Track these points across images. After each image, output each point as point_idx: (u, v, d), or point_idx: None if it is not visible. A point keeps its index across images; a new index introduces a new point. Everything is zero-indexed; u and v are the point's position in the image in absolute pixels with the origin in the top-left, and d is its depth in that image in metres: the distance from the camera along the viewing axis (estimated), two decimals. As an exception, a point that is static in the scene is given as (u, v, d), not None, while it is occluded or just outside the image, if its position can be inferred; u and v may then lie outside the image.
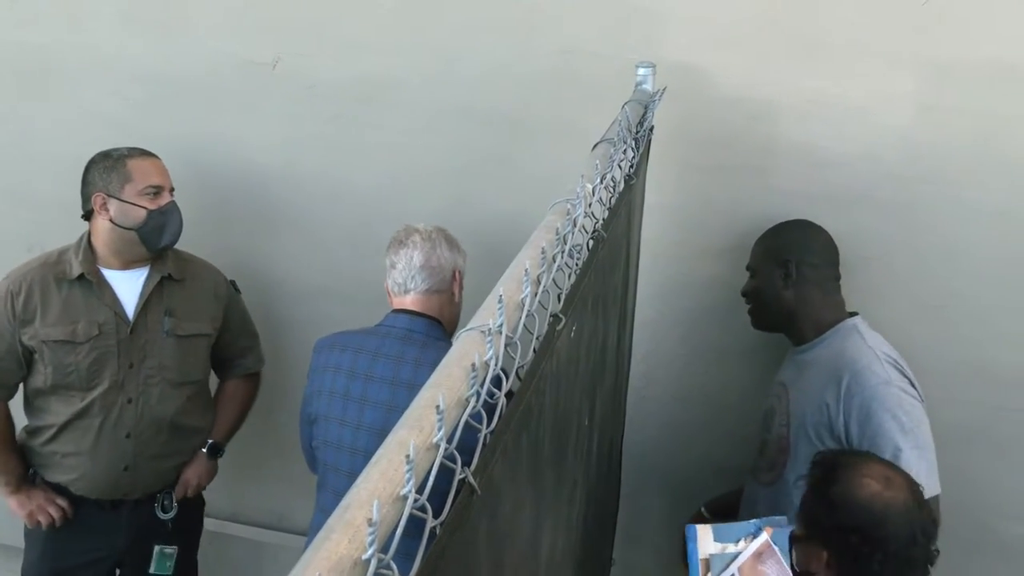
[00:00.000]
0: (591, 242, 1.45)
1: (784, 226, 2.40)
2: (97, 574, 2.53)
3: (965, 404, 2.48)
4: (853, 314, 2.28)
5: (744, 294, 2.43)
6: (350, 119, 2.72)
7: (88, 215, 2.39)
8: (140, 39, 2.81)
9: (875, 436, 2.02)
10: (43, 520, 2.43)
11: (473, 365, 0.85)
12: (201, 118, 2.82)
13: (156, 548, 2.55)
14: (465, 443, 0.81)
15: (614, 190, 1.70)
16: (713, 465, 2.73)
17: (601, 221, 1.53)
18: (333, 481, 2.12)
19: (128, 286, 2.41)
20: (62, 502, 2.44)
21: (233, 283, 2.64)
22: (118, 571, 2.57)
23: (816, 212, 2.41)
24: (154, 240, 2.38)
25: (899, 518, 1.64)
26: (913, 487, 1.70)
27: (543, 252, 1.09)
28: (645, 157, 2.25)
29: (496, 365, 0.89)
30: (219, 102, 2.80)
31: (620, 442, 2.58)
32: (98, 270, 2.38)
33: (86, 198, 2.37)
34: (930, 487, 1.94)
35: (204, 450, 2.60)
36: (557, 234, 1.18)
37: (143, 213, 2.35)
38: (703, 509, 2.54)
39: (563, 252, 1.19)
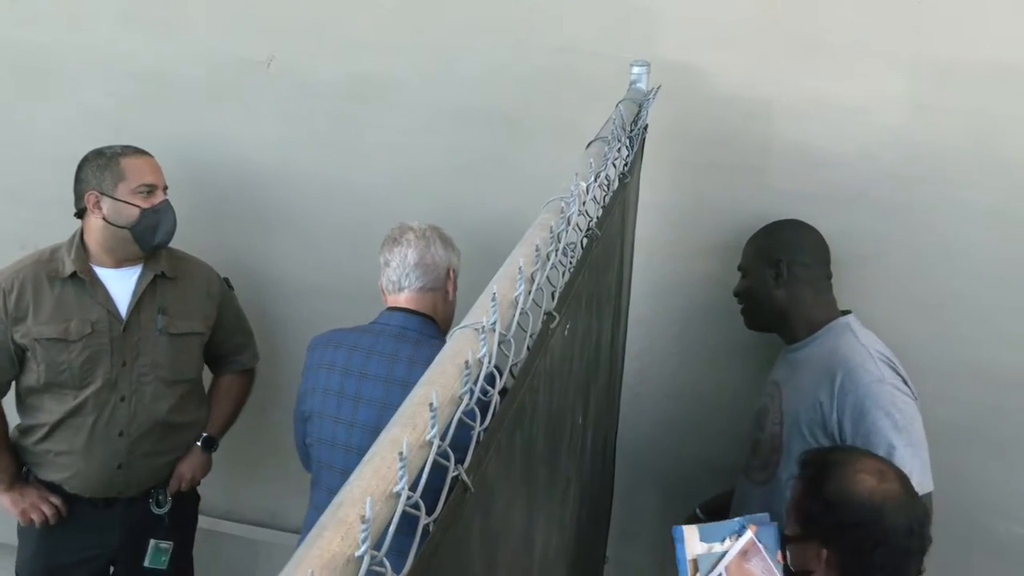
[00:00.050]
0: (585, 240, 1.45)
1: (775, 226, 2.40)
2: (91, 572, 2.52)
3: (961, 403, 2.48)
4: (846, 312, 2.28)
5: (736, 294, 2.43)
6: (347, 118, 2.72)
7: (81, 213, 2.38)
8: (137, 38, 2.81)
9: (869, 434, 2.02)
10: (36, 518, 2.43)
11: (466, 363, 0.85)
12: (197, 116, 2.82)
13: (152, 542, 2.54)
14: (459, 441, 0.81)
15: (608, 188, 1.70)
16: (706, 463, 2.74)
17: (595, 219, 1.53)
18: (327, 479, 2.12)
19: (121, 284, 2.40)
20: (55, 500, 2.43)
21: (227, 280, 2.63)
22: (112, 568, 2.57)
23: (813, 211, 2.41)
24: (147, 239, 2.37)
25: (897, 510, 1.66)
26: (904, 479, 1.72)
27: (537, 250, 1.10)
28: (639, 155, 2.25)
29: (490, 363, 0.89)
30: (216, 100, 2.80)
31: (614, 440, 2.58)
32: (91, 268, 2.38)
33: (79, 196, 2.36)
34: (923, 484, 1.95)
35: (199, 443, 2.59)
36: (551, 232, 1.18)
37: (136, 212, 2.34)
38: (698, 510, 2.54)
39: (557, 250, 1.19)
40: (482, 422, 0.86)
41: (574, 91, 2.51)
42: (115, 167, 2.33)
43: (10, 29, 2.90)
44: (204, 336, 2.55)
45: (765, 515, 1.87)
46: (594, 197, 1.52)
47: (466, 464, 0.81)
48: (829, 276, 2.36)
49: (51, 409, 2.39)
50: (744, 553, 1.78)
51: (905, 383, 2.11)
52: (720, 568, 1.75)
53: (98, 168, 2.33)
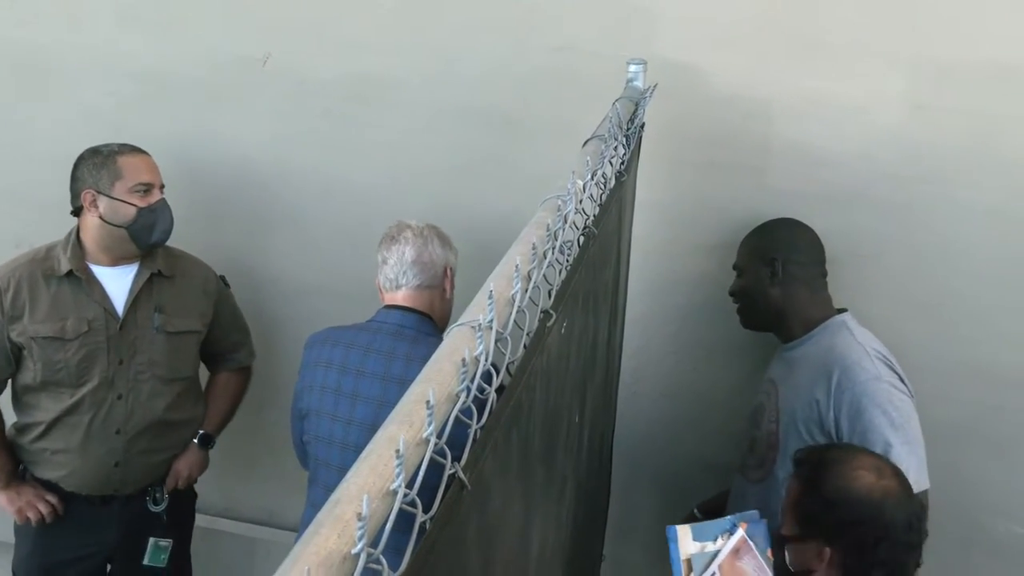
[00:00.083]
0: (582, 238, 1.45)
1: (769, 225, 2.41)
2: (88, 569, 2.52)
3: (960, 402, 2.49)
4: (842, 311, 2.28)
5: (732, 294, 2.44)
6: (345, 117, 2.72)
7: (77, 211, 2.38)
8: (136, 37, 2.80)
9: (865, 431, 2.02)
10: (32, 516, 2.42)
11: (463, 360, 0.85)
12: (196, 115, 2.82)
13: (151, 540, 2.54)
14: (455, 438, 0.81)
15: (605, 187, 1.70)
16: (703, 461, 2.74)
17: (592, 217, 1.53)
18: (324, 476, 2.13)
19: (117, 282, 2.40)
20: (52, 498, 2.43)
21: (223, 278, 2.63)
22: (109, 566, 2.56)
23: (811, 211, 2.41)
24: (144, 238, 2.37)
25: (896, 505, 1.67)
26: (900, 474, 1.73)
27: (534, 248, 1.10)
28: (636, 154, 2.25)
29: (486, 361, 0.89)
30: (214, 100, 2.80)
31: (611, 438, 2.58)
32: (87, 266, 2.37)
33: (75, 194, 2.36)
34: (920, 482, 1.95)
35: (195, 441, 2.59)
36: (548, 230, 1.18)
37: (133, 211, 2.34)
38: (696, 511, 2.54)
39: (554, 248, 1.19)
40: (479, 420, 0.86)
41: (573, 91, 2.51)
42: (112, 166, 2.33)
43: (9, 29, 2.89)
44: (201, 334, 2.55)
45: (755, 512, 1.87)
46: (591, 195, 1.52)
47: (463, 462, 0.81)
48: (824, 275, 2.36)
49: (48, 407, 2.39)
50: (736, 551, 1.78)
51: (902, 381, 2.11)
52: (713, 567, 1.75)
53: (95, 166, 2.33)
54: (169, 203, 2.41)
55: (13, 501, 2.43)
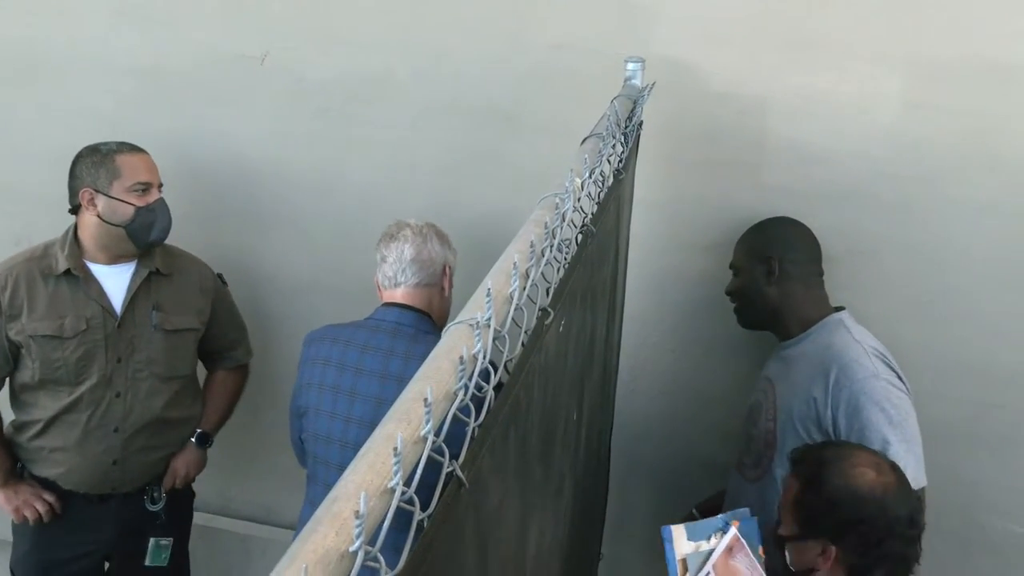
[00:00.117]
0: (580, 236, 1.45)
1: (765, 224, 2.41)
2: (86, 567, 2.52)
3: (955, 401, 2.49)
4: (839, 309, 2.29)
5: (729, 293, 2.44)
6: (342, 114, 2.72)
7: (75, 209, 2.37)
8: (130, 33, 2.80)
9: (863, 429, 2.03)
10: (30, 515, 2.42)
11: (461, 358, 0.85)
12: (191, 112, 2.82)
13: (152, 540, 2.55)
14: (453, 436, 0.81)
15: (603, 185, 1.70)
16: (701, 460, 2.74)
17: (590, 215, 1.53)
18: (323, 474, 2.13)
19: (115, 280, 2.40)
20: (49, 497, 2.43)
21: (220, 276, 2.63)
22: (107, 565, 2.56)
23: (806, 208, 2.42)
24: (142, 237, 2.36)
25: (897, 500, 1.67)
26: (897, 469, 1.73)
27: (532, 246, 1.10)
28: (634, 152, 2.25)
29: (484, 359, 0.89)
30: (211, 97, 2.80)
31: (608, 436, 2.58)
32: (84, 264, 2.37)
33: (73, 192, 2.35)
34: (917, 479, 1.96)
35: (193, 440, 2.59)
36: (546, 228, 1.18)
37: (131, 210, 2.33)
38: (694, 510, 2.54)
39: (552, 246, 1.19)
40: (477, 418, 0.86)
41: (571, 89, 2.51)
42: (110, 164, 2.32)
43: (8, 27, 2.89)
44: (198, 332, 2.55)
45: (746, 510, 1.87)
46: (589, 193, 1.52)
47: (461, 460, 0.81)
48: (821, 273, 2.36)
49: (46, 405, 2.39)
50: (729, 550, 1.78)
51: (899, 378, 2.11)
52: (708, 567, 1.75)
53: (93, 165, 2.33)
54: (167, 201, 2.41)
55: (10, 500, 2.43)
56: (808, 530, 1.71)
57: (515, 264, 1.03)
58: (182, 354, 2.51)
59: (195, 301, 2.53)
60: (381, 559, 0.64)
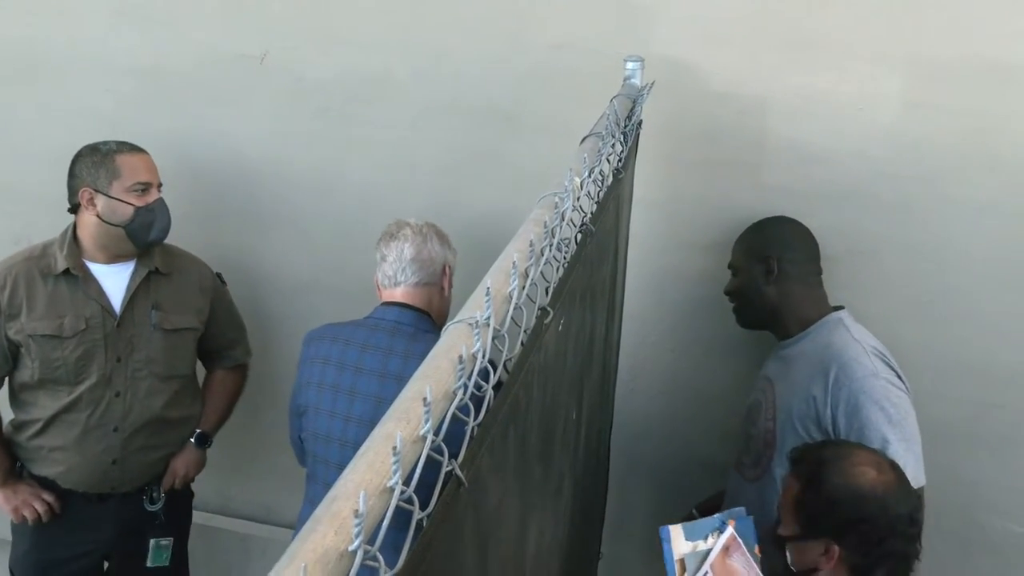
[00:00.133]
0: (579, 235, 1.45)
1: (763, 223, 2.41)
2: (85, 567, 2.52)
3: (954, 400, 2.49)
4: (837, 308, 2.29)
5: (728, 293, 2.44)
6: (341, 114, 2.72)
7: (75, 208, 2.37)
8: (130, 33, 2.80)
9: (863, 428, 2.03)
10: (28, 515, 2.42)
11: (460, 357, 0.85)
12: (191, 112, 2.82)
13: (152, 542, 2.55)
14: (452, 435, 0.81)
15: (602, 184, 1.70)
16: (701, 459, 2.74)
17: (589, 215, 1.53)
18: (323, 473, 2.13)
19: (114, 280, 2.40)
20: (48, 497, 2.43)
21: (219, 275, 2.63)
22: (106, 564, 2.56)
23: (806, 208, 2.42)
24: (141, 237, 2.36)
25: (898, 498, 1.67)
26: (897, 467, 1.73)
27: (531, 245, 1.10)
28: (633, 151, 2.25)
29: (483, 358, 0.89)
30: (210, 96, 2.80)
31: (608, 435, 2.58)
32: (83, 264, 2.37)
33: (73, 191, 2.35)
34: (917, 478, 1.96)
35: (192, 440, 2.59)
36: (545, 227, 1.18)
37: (131, 210, 2.33)
38: (694, 511, 2.53)
39: (551, 245, 1.19)
40: (476, 417, 0.86)
41: (570, 88, 2.51)
42: (110, 164, 2.32)
43: (7, 27, 2.89)
44: (198, 331, 2.55)
45: (741, 509, 1.87)
46: (588, 192, 1.52)
47: (460, 459, 0.81)
48: (819, 272, 2.36)
49: (45, 405, 2.38)
50: (726, 549, 1.78)
51: (899, 377, 2.11)
52: (706, 567, 1.75)
53: (93, 165, 2.33)
54: (166, 200, 2.41)
55: (9, 500, 2.43)
56: (810, 530, 1.70)
57: (514, 263, 1.03)
58: (181, 353, 2.51)
59: (194, 300, 2.53)
60: (380, 558, 0.64)
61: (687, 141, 2.51)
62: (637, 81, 2.32)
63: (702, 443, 2.75)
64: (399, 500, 0.69)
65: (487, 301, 0.92)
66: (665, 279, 2.64)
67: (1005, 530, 2.58)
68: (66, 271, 2.34)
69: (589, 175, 1.49)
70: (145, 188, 2.35)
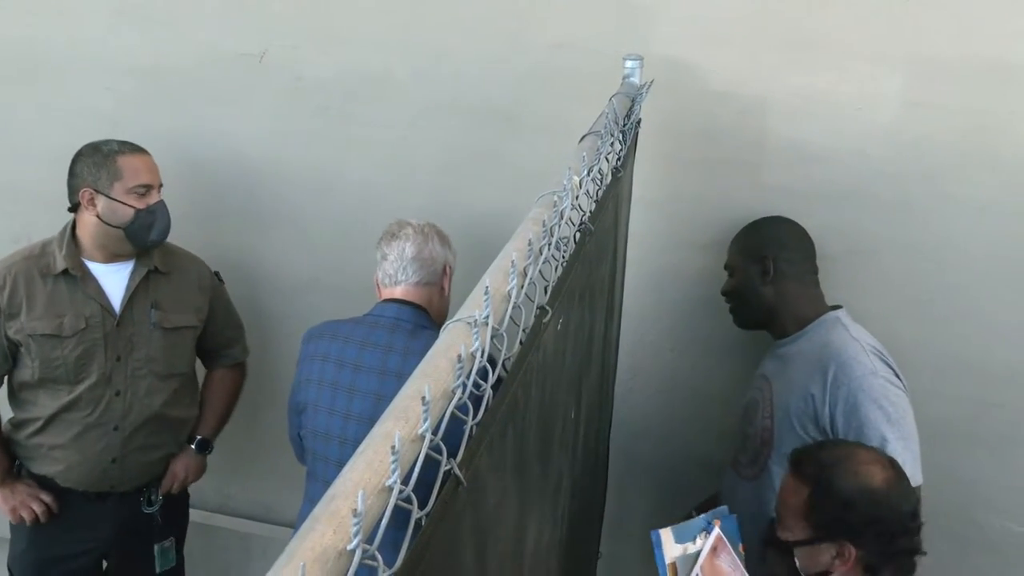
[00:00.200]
0: (578, 234, 1.45)
1: (759, 223, 2.41)
2: (84, 565, 2.52)
3: (953, 399, 2.49)
4: (836, 307, 2.29)
5: (724, 293, 2.44)
6: (341, 113, 2.72)
7: (75, 207, 2.37)
8: (130, 32, 2.80)
9: (862, 426, 2.03)
10: (26, 516, 2.42)
11: (459, 356, 0.85)
12: (191, 111, 2.82)
13: (156, 547, 2.56)
14: (451, 434, 0.81)
15: (601, 183, 1.71)
16: (700, 458, 2.74)
17: (588, 213, 1.53)
18: (322, 471, 2.13)
19: (113, 279, 2.40)
20: (46, 497, 2.43)
21: (217, 274, 2.63)
22: (104, 563, 2.57)
23: (805, 207, 2.42)
24: (141, 238, 2.36)
25: (903, 495, 1.68)
26: (896, 464, 1.73)
27: (530, 244, 1.10)
28: (632, 150, 2.25)
29: (482, 357, 0.89)
30: (210, 95, 2.80)
31: (607, 434, 2.58)
32: (83, 263, 2.37)
33: (73, 191, 2.35)
34: (915, 477, 1.96)
35: (193, 446, 2.59)
36: (544, 226, 1.18)
37: (131, 212, 2.33)
38: (694, 512, 2.53)
39: (550, 244, 1.19)
40: (475, 416, 0.86)
41: (570, 87, 2.51)
42: (112, 166, 2.32)
43: (7, 26, 2.89)
44: (197, 329, 2.55)
45: (724, 508, 1.87)
46: (587, 191, 1.52)
47: (459, 458, 0.82)
48: (816, 271, 2.36)
49: (45, 404, 2.39)
50: (714, 550, 1.78)
51: (897, 376, 2.12)
52: (696, 569, 1.75)
53: (94, 165, 2.32)
54: (165, 198, 2.41)
55: (7, 500, 2.43)
56: (823, 533, 1.68)
57: (513, 262, 1.03)
58: (181, 352, 2.51)
59: (193, 299, 2.53)
60: (379, 557, 0.64)
61: (686, 140, 2.51)
62: (636, 80, 2.32)
63: (701, 442, 2.75)
64: (398, 499, 0.69)
65: (486, 300, 0.92)
66: (664, 278, 2.65)
67: (1004, 529, 2.58)
68: (65, 271, 2.34)
69: (588, 174, 1.49)
70: (146, 190, 2.35)
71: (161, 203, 2.39)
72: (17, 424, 2.44)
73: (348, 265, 2.76)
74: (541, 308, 1.13)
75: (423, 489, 0.74)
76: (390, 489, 0.69)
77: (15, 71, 2.92)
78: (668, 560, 1.75)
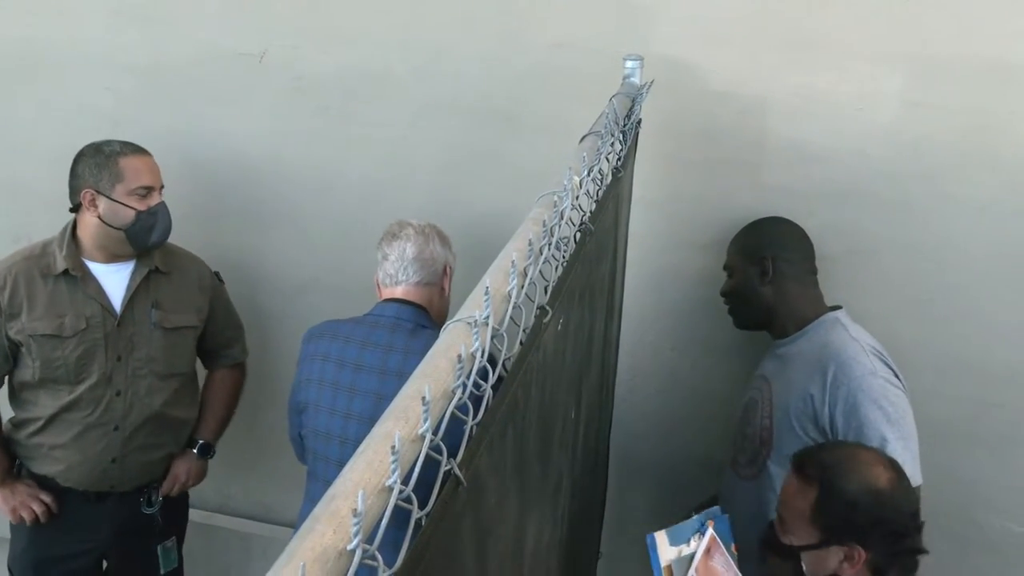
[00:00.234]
0: (578, 234, 1.45)
1: (757, 224, 2.41)
2: (84, 565, 2.52)
3: (952, 399, 2.49)
4: (836, 308, 2.29)
5: (723, 294, 2.44)
6: (341, 112, 2.72)
7: (76, 208, 2.37)
8: (130, 31, 2.80)
9: (861, 426, 2.03)
10: (26, 516, 2.42)
11: (459, 356, 0.85)
12: (191, 110, 2.82)
13: (158, 548, 2.57)
14: (451, 434, 0.81)
15: (601, 183, 1.71)
16: (700, 458, 2.74)
17: (588, 213, 1.53)
18: (323, 470, 2.13)
19: (114, 279, 2.40)
20: (46, 497, 2.43)
21: (217, 274, 2.63)
22: (104, 563, 2.56)
23: (805, 207, 2.42)
24: (141, 240, 2.36)
25: (907, 495, 1.69)
26: (896, 463, 1.73)
27: (530, 244, 1.10)
28: (633, 150, 2.25)
29: (482, 357, 0.89)
30: (210, 94, 2.80)
31: (607, 434, 2.58)
32: (83, 264, 2.37)
33: (74, 191, 2.35)
34: (914, 477, 1.96)
35: (195, 451, 2.59)
36: (544, 226, 1.18)
37: (132, 214, 2.33)
38: (694, 512, 2.53)
39: (550, 244, 1.19)
40: (475, 416, 0.86)
41: (570, 87, 2.51)
42: (113, 167, 2.32)
43: (7, 26, 2.89)
44: (197, 329, 2.55)
45: (716, 508, 1.87)
46: (587, 191, 1.52)
47: (459, 458, 0.81)
48: (815, 271, 2.36)
49: (45, 404, 2.39)
50: (707, 551, 1.78)
51: (896, 376, 2.12)
52: (691, 572, 1.75)
53: (96, 166, 2.32)
54: (165, 198, 2.40)
55: (7, 500, 2.43)
56: (831, 536, 1.67)
57: (513, 262, 1.03)
58: (181, 352, 2.51)
59: (194, 299, 2.53)
60: (379, 557, 0.64)
61: (687, 140, 2.51)
62: (636, 80, 2.32)
63: (701, 442, 2.75)
64: (398, 499, 0.69)
65: (486, 300, 0.92)
66: (664, 278, 2.65)
67: (1004, 529, 2.58)
68: (65, 271, 2.34)
69: (588, 174, 1.49)
70: (147, 191, 2.35)
71: (162, 205, 2.39)
72: (17, 424, 2.44)
73: (348, 265, 2.76)
74: (541, 308, 1.13)
75: (423, 489, 0.74)
76: (390, 489, 0.69)
77: (15, 70, 2.92)
78: (663, 563, 1.75)
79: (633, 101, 2.13)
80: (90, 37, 2.83)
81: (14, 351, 2.37)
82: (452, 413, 0.82)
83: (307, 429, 2.15)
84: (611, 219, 1.87)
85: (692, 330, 2.68)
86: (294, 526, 2.49)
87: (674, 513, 2.43)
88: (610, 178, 1.82)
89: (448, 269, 2.23)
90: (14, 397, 2.44)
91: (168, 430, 2.52)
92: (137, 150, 2.37)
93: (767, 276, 2.31)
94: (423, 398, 0.76)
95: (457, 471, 0.80)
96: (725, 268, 2.44)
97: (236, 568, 3.16)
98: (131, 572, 2.58)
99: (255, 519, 3.20)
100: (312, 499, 2.15)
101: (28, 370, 2.36)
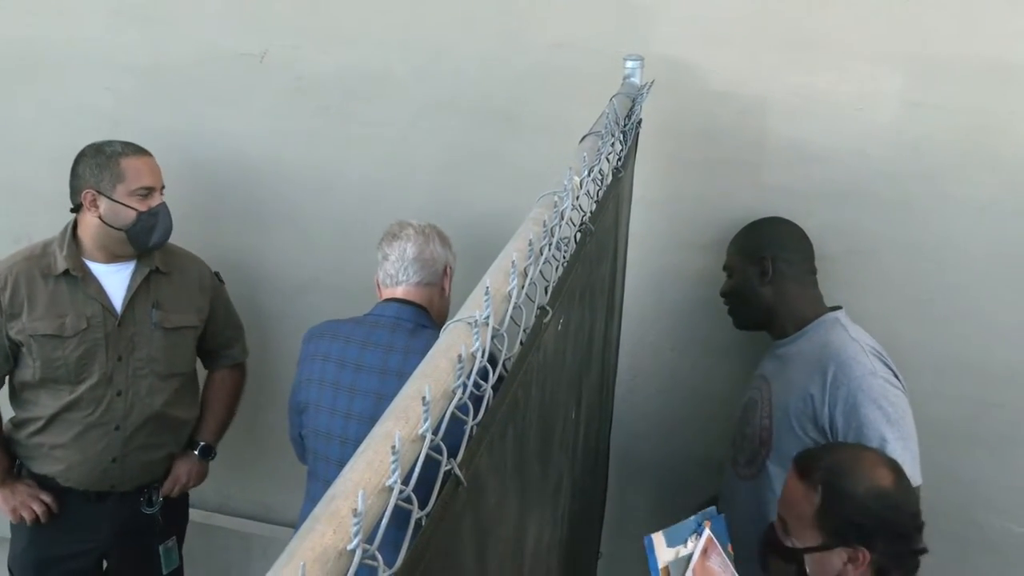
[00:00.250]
0: (579, 235, 1.45)
1: (757, 224, 2.41)
2: (84, 565, 2.52)
3: (954, 399, 2.49)
4: (835, 308, 2.29)
5: (723, 295, 2.44)
6: (341, 112, 2.72)
7: (76, 208, 2.37)
8: (130, 31, 2.80)
9: (861, 427, 2.03)
10: (27, 516, 2.42)
11: (460, 357, 0.85)
12: (191, 110, 2.82)
13: (160, 548, 2.57)
14: (451, 434, 0.81)
15: (602, 183, 1.71)
16: (700, 458, 2.74)
17: (589, 214, 1.53)
18: (323, 470, 2.13)
19: (114, 279, 2.40)
20: (46, 497, 2.43)
21: (217, 274, 2.63)
22: (104, 563, 2.56)
23: (805, 207, 2.42)
24: (142, 240, 2.36)
25: (910, 496, 1.69)
26: (897, 464, 1.73)
27: (530, 244, 1.10)
28: (633, 150, 2.25)
29: (483, 357, 0.89)
30: (210, 94, 2.80)
31: (607, 434, 2.58)
32: (83, 264, 2.37)
33: (75, 191, 2.35)
34: (914, 477, 1.96)
35: (196, 452, 2.60)
36: (544, 226, 1.18)
37: (133, 215, 2.33)
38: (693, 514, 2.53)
39: (550, 244, 1.19)
40: (475, 416, 0.86)
41: (570, 87, 2.51)
42: (114, 168, 2.32)
43: (7, 26, 2.89)
44: (198, 329, 2.55)
45: (712, 508, 1.87)
46: (588, 192, 1.52)
47: (459, 458, 0.81)
48: (814, 271, 2.36)
49: (46, 403, 2.39)
50: (704, 552, 1.78)
51: (896, 376, 2.12)
52: (688, 573, 1.75)
53: (97, 167, 2.32)
54: (165, 198, 2.41)
55: (8, 500, 2.43)
56: (836, 539, 1.66)
57: (513, 262, 1.03)
58: (182, 352, 2.52)
59: (194, 299, 2.53)
60: (379, 557, 0.64)
61: (687, 140, 2.51)
62: (637, 80, 2.32)
63: (701, 442, 2.75)
64: (398, 499, 0.69)
65: (486, 300, 0.92)
66: (664, 278, 2.65)
67: (1004, 529, 2.58)
68: (66, 271, 2.34)
69: (588, 174, 1.49)
70: (148, 192, 2.35)
71: (163, 205, 2.39)
72: (18, 424, 2.44)
73: (348, 265, 2.76)
74: (541, 308, 1.13)
75: (423, 489, 0.74)
76: (390, 489, 0.69)
77: (15, 70, 2.92)
78: (661, 565, 1.74)
79: (633, 101, 2.13)
80: (90, 37, 2.83)
81: (15, 351, 2.37)
82: (452, 413, 0.82)
83: (307, 429, 2.15)
84: (611, 219, 1.87)
85: (692, 330, 2.68)
86: (294, 526, 2.49)
87: (674, 513, 2.42)
88: (610, 178, 1.82)
89: (448, 269, 2.23)
90: (14, 397, 2.44)
91: (168, 430, 2.52)
92: (138, 151, 2.37)
93: (767, 276, 2.31)
94: (423, 398, 0.76)
95: (457, 471, 0.80)
96: (725, 268, 2.44)
97: (236, 568, 3.16)
98: (131, 572, 2.58)
99: (255, 519, 3.20)
100: (312, 499, 2.15)
101: (29, 370, 2.36)
